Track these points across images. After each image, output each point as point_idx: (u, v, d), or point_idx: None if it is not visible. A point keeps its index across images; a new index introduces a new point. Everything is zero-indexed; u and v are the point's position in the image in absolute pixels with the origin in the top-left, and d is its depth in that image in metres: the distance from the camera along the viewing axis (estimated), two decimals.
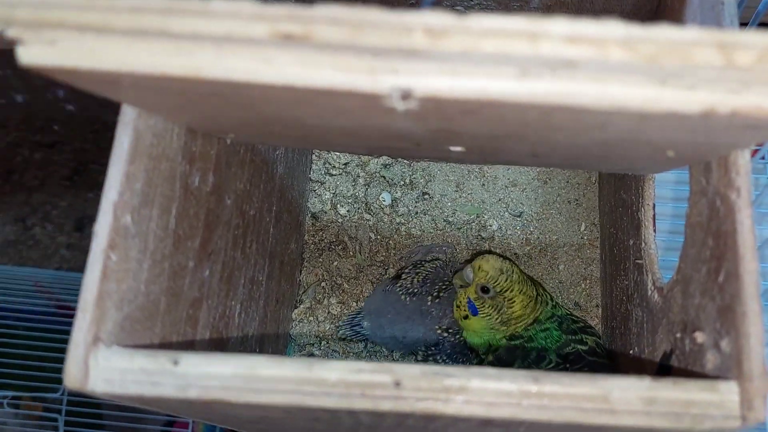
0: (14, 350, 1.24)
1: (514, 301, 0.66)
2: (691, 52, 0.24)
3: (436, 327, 0.70)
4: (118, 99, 0.37)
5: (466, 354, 0.70)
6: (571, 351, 0.64)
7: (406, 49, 0.26)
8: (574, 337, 0.65)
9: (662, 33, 0.24)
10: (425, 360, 0.70)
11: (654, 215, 0.56)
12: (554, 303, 0.69)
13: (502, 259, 0.67)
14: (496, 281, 0.66)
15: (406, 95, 0.27)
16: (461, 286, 0.68)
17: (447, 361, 0.70)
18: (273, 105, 0.33)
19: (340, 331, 0.75)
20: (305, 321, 0.77)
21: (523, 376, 0.35)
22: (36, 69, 0.28)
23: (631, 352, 0.59)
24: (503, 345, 0.66)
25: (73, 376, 0.36)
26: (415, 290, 0.72)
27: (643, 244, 0.56)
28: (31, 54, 0.28)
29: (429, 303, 0.71)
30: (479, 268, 0.67)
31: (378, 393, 0.35)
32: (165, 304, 0.45)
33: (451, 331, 0.70)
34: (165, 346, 0.45)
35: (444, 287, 0.71)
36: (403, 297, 0.72)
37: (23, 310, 1.34)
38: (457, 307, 0.68)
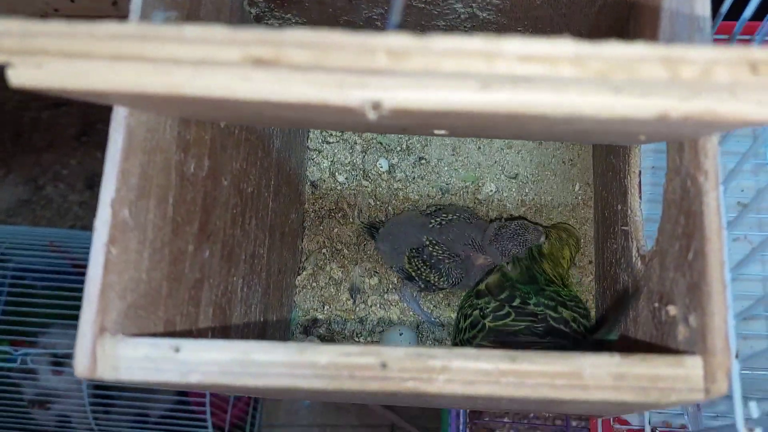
0: (33, 308, 1.27)
1: (544, 267, 0.74)
2: (637, 67, 0.25)
3: (424, 236, 0.75)
4: (109, 104, 0.39)
5: (439, 263, 0.75)
6: (541, 312, 0.66)
7: (373, 68, 0.27)
8: (548, 303, 0.67)
9: (610, 50, 0.25)
10: (409, 262, 0.76)
11: (640, 183, 0.58)
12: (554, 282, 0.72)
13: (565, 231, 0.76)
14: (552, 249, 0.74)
15: (376, 106, 0.28)
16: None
17: (423, 266, 0.75)
18: (254, 109, 0.34)
19: (362, 226, 0.82)
20: (308, 287, 0.79)
21: (500, 355, 0.37)
22: (26, 89, 0.30)
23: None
24: (498, 275, 0.72)
25: (82, 365, 0.39)
26: (429, 213, 0.78)
27: (629, 211, 0.57)
28: (20, 76, 0.29)
29: (430, 226, 0.76)
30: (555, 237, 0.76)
31: (365, 374, 0.38)
32: (167, 289, 0.47)
33: (433, 242, 0.75)
34: (169, 327, 0.48)
35: (448, 219, 0.76)
36: (417, 216, 0.78)
37: (40, 270, 1.37)
38: None
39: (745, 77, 0.25)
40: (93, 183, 1.86)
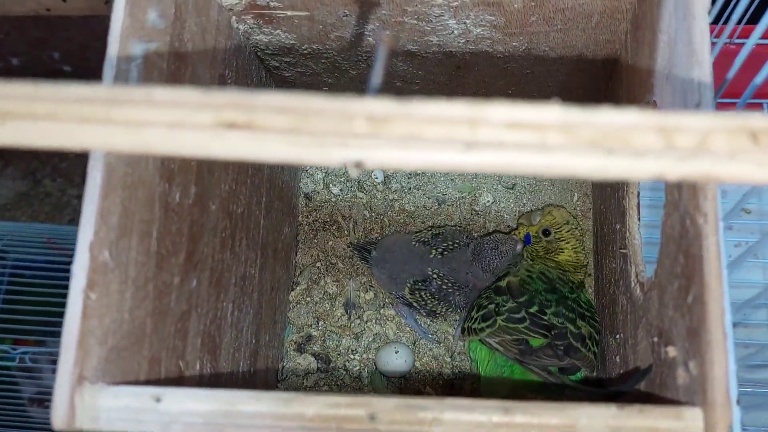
0: (32, 307, 1.26)
1: (563, 251, 0.75)
2: (630, 136, 0.24)
3: (428, 268, 0.74)
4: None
5: (449, 295, 0.74)
6: (560, 325, 0.65)
7: (353, 133, 0.26)
8: (570, 314, 0.66)
9: (601, 117, 0.24)
10: (411, 293, 0.74)
11: (639, 203, 0.56)
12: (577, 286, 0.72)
13: (571, 216, 0.77)
14: (559, 228, 0.75)
15: (358, 165, 0.27)
16: (522, 224, 0.78)
17: (430, 298, 0.74)
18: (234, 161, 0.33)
19: (352, 248, 0.80)
20: (302, 302, 0.78)
21: (494, 407, 0.36)
22: None
23: (617, 336, 0.59)
24: (521, 276, 0.71)
25: (60, 417, 0.37)
26: (425, 241, 0.75)
27: (628, 233, 0.56)
28: None
29: (431, 256, 0.74)
30: (549, 212, 0.77)
31: (354, 426, 0.36)
32: (151, 325, 0.46)
33: (440, 274, 0.73)
34: (154, 365, 0.46)
35: (449, 248, 0.74)
36: (413, 243, 0.75)
37: (38, 266, 1.36)
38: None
39: (745, 146, 0.24)
40: None
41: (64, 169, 1.94)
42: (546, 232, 0.76)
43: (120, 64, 0.42)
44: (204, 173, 0.53)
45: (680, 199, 0.40)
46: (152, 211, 0.45)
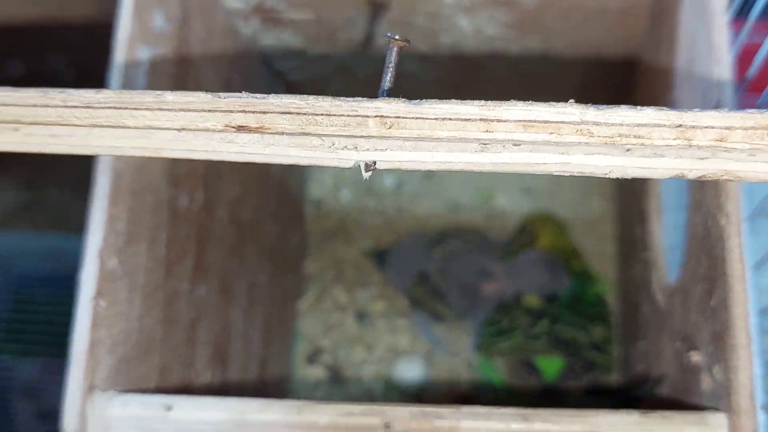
0: (39, 315, 1.26)
1: (540, 237, 0.75)
2: (648, 135, 0.23)
3: (430, 265, 0.74)
4: None
5: (446, 296, 0.74)
6: (570, 339, 0.65)
7: (364, 135, 0.25)
8: (579, 320, 0.65)
9: (618, 116, 0.23)
10: (414, 287, 0.74)
11: (661, 207, 0.55)
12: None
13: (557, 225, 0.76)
14: (532, 222, 0.76)
15: (369, 167, 0.26)
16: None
17: (429, 297, 0.74)
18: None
19: (367, 255, 0.79)
20: (312, 312, 0.76)
21: (512, 414, 0.35)
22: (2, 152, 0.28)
23: (639, 344, 0.58)
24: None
25: (71, 429, 0.37)
26: (433, 243, 0.76)
27: (650, 237, 0.55)
28: None
29: (436, 257, 0.75)
30: (538, 216, 0.77)
31: None
32: (161, 333, 0.45)
33: (440, 271, 0.74)
34: (165, 373, 0.45)
35: (455, 249, 0.75)
36: (421, 246, 0.76)
37: (43, 278, 1.35)
38: None
39: (763, 143, 0.23)
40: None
41: (66, 179, 1.95)
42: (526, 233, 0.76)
43: (127, 69, 0.41)
44: (211, 179, 0.52)
45: (703, 199, 0.38)
46: (160, 216, 0.45)
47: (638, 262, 0.58)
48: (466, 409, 0.35)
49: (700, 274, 0.39)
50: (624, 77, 0.64)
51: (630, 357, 0.63)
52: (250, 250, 0.61)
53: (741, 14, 0.59)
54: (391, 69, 0.28)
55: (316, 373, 0.74)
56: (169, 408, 0.37)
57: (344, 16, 0.57)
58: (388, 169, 0.27)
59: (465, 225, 0.78)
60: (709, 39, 0.38)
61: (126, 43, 0.40)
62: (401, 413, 0.35)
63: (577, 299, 0.68)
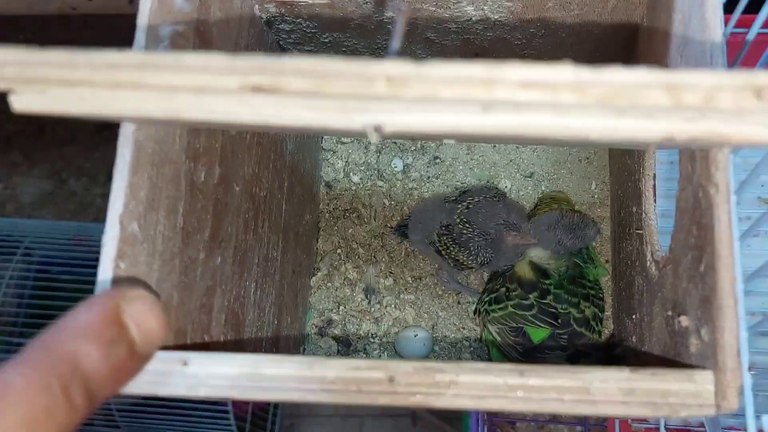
0: (59, 302, 1.28)
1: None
2: (639, 94, 0.25)
3: (454, 217, 0.75)
4: (116, 122, 0.39)
5: (469, 241, 0.75)
6: (563, 311, 0.67)
7: (373, 95, 0.27)
8: (572, 299, 0.68)
9: (610, 76, 0.25)
10: (438, 239, 0.76)
11: (654, 185, 0.57)
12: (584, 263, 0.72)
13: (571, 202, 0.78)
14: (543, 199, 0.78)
15: (377, 129, 0.28)
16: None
17: (452, 244, 0.75)
18: (259, 128, 0.34)
19: (392, 231, 0.82)
20: (323, 288, 0.79)
21: (509, 369, 0.37)
22: (28, 114, 0.30)
23: (633, 317, 0.60)
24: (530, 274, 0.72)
25: None
26: (454, 199, 0.78)
27: (644, 215, 0.57)
28: (23, 102, 0.29)
29: (458, 210, 0.76)
30: (554, 193, 0.79)
31: (373, 389, 0.38)
32: (178, 299, 0.47)
33: (463, 220, 0.75)
34: (180, 336, 0.48)
35: (474, 200, 0.76)
36: (444, 204, 0.78)
37: (64, 263, 1.38)
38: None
39: (750, 103, 0.24)
40: None
41: (88, 169, 1.98)
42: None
43: (148, 46, 0.43)
44: (228, 155, 0.54)
45: (693, 171, 0.40)
46: (178, 188, 0.47)
47: (633, 239, 0.60)
48: (466, 364, 0.37)
49: (690, 244, 0.41)
50: (623, 62, 0.66)
51: (624, 330, 0.65)
52: (265, 225, 0.63)
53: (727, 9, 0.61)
54: (398, 35, 0.30)
55: (327, 344, 0.76)
56: (185, 363, 0.39)
57: (356, 2, 0.59)
58: (396, 132, 0.28)
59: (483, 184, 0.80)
60: (703, 16, 0.40)
61: (147, 20, 0.42)
62: (404, 368, 0.37)
63: (577, 277, 0.70)
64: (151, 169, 0.43)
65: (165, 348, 0.46)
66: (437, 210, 0.77)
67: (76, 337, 0.29)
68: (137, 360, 0.32)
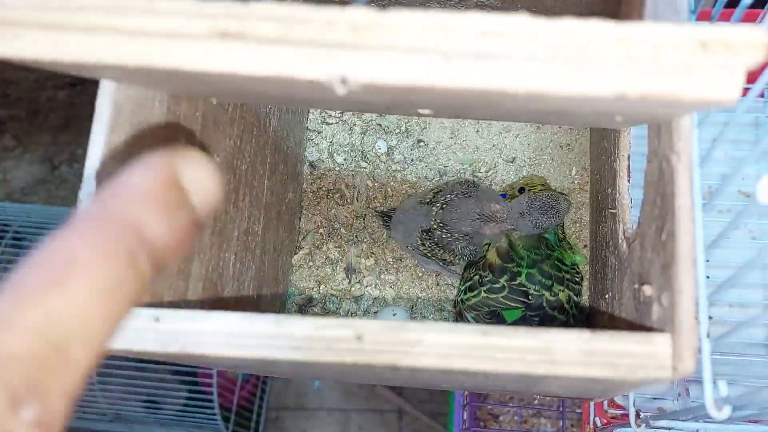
0: None
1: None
2: (591, 45, 0.26)
3: (431, 221, 0.77)
4: (93, 77, 0.40)
5: (450, 244, 0.77)
6: (536, 292, 0.68)
7: (336, 42, 0.28)
8: (546, 281, 0.69)
9: (564, 27, 0.26)
10: (422, 243, 0.77)
11: (629, 166, 0.58)
12: (560, 247, 0.73)
13: (547, 184, 0.79)
14: (533, 186, 0.77)
15: (343, 81, 0.29)
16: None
17: (436, 247, 0.77)
18: (232, 84, 0.35)
19: (377, 214, 0.83)
20: (305, 266, 0.80)
21: (473, 330, 0.38)
22: (3, 59, 0.31)
23: (606, 296, 0.61)
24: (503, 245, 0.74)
25: None
26: (429, 200, 0.79)
27: (618, 194, 0.57)
28: None
29: (434, 212, 0.77)
30: (528, 177, 0.80)
31: (341, 346, 0.38)
32: None
33: (440, 224, 0.77)
34: (155, 299, 0.49)
35: (447, 201, 0.77)
36: (419, 204, 0.79)
37: None
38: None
39: (696, 55, 0.25)
40: None
41: (80, 156, 1.98)
42: (521, 190, 0.78)
43: None
44: (209, 125, 0.55)
45: (659, 144, 0.41)
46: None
47: (608, 220, 0.61)
48: (431, 324, 0.38)
49: (654, 215, 0.42)
50: None
51: (597, 310, 0.66)
52: (245, 199, 0.64)
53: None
54: None
55: None
56: (157, 319, 0.40)
57: None
58: (361, 84, 0.29)
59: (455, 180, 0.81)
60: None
61: None
62: (372, 326, 0.38)
63: (554, 259, 0.71)
64: (130, 128, 0.44)
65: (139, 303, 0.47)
66: (414, 213, 0.78)
67: (137, 202, 0.26)
68: (196, 227, 0.29)
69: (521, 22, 0.26)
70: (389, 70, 0.28)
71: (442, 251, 0.76)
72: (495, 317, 0.70)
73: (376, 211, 0.82)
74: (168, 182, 0.27)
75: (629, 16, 0.54)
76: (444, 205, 0.76)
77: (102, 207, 0.26)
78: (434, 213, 0.76)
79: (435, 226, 0.76)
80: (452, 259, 0.76)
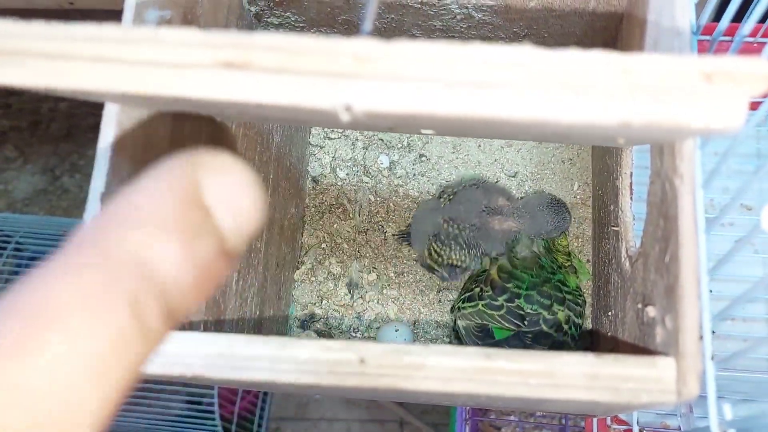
0: None
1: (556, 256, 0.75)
2: (596, 76, 0.26)
3: (439, 217, 0.76)
4: (99, 101, 0.40)
5: (458, 236, 0.75)
6: (533, 312, 0.68)
7: (341, 72, 0.28)
8: (544, 301, 0.69)
9: (567, 58, 0.26)
10: (429, 255, 0.76)
11: (631, 183, 0.58)
12: (563, 267, 0.73)
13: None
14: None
15: (348, 108, 0.29)
16: None
17: (442, 247, 0.75)
18: (237, 109, 0.35)
19: (396, 238, 0.82)
20: (307, 281, 0.80)
21: (476, 353, 0.38)
22: (9, 87, 0.31)
23: (609, 314, 0.61)
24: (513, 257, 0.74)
25: None
26: (438, 195, 0.78)
27: (620, 212, 0.58)
28: (3, 75, 0.30)
29: (442, 206, 0.77)
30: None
31: (344, 370, 0.38)
32: None
33: (449, 218, 0.75)
34: None
35: (453, 191, 0.77)
36: (429, 202, 0.79)
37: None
38: None
39: (701, 86, 0.25)
40: None
41: (82, 166, 1.98)
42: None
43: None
44: (212, 143, 0.55)
45: (662, 165, 0.41)
46: None
47: (610, 237, 0.61)
48: (434, 347, 0.38)
49: (658, 236, 0.42)
50: None
51: (600, 328, 0.66)
52: None
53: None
54: (370, 16, 0.31)
55: (308, 337, 0.77)
56: None
57: None
58: (365, 111, 0.29)
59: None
60: (674, 16, 0.41)
61: (134, 4, 0.43)
62: (375, 350, 0.38)
63: (555, 281, 0.71)
64: (134, 149, 0.44)
65: None
66: (426, 212, 0.78)
67: (143, 229, 0.19)
68: (226, 260, 0.21)
69: (524, 52, 0.26)
70: (393, 99, 0.28)
71: (448, 250, 0.74)
72: (484, 331, 0.70)
73: (393, 236, 0.82)
74: (186, 200, 0.21)
75: (630, 36, 0.54)
76: (451, 196, 0.76)
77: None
78: (442, 206, 0.76)
79: (442, 223, 0.75)
80: (458, 257, 0.74)
